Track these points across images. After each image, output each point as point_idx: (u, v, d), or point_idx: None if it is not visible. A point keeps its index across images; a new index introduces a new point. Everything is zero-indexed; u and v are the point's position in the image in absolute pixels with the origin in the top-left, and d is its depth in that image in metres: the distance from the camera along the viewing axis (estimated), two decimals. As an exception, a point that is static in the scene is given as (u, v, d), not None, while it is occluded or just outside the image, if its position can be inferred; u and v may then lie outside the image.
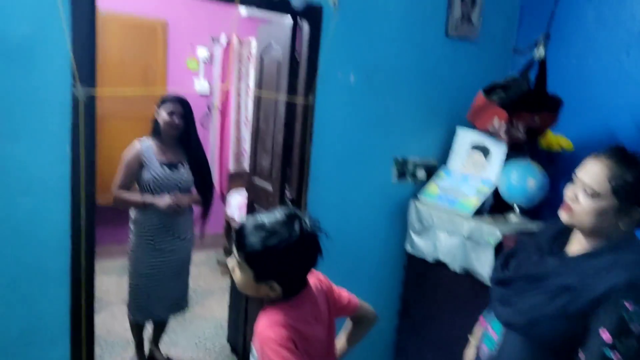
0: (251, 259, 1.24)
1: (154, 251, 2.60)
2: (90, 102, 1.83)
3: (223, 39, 5.19)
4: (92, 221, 1.91)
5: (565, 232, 1.56)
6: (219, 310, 3.92)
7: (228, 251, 4.82)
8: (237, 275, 1.30)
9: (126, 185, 2.53)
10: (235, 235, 1.28)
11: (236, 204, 4.87)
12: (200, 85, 5.25)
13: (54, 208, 1.83)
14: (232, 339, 3.28)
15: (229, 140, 5.37)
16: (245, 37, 5.24)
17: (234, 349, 3.27)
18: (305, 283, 1.33)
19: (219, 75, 5.27)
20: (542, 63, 2.08)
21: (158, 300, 2.68)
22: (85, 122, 1.82)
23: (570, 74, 2.41)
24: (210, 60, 5.25)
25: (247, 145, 5.40)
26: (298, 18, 2.24)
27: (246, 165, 5.32)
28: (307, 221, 1.27)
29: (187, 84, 5.19)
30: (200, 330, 3.59)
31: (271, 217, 1.26)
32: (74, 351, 1.95)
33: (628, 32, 2.25)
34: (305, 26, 2.25)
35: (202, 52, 5.18)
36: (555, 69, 2.23)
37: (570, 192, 1.44)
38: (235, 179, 5.21)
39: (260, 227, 1.24)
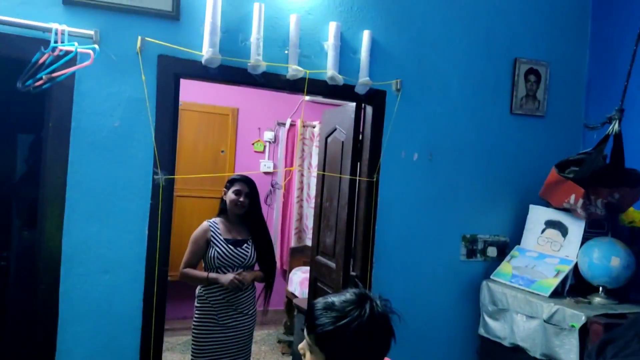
0: (322, 340, 1.21)
1: (217, 326, 2.61)
2: (169, 186, 1.96)
3: (288, 122, 5.47)
4: (164, 299, 1.97)
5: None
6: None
7: (289, 328, 4.73)
8: (308, 359, 1.26)
9: (192, 263, 2.61)
10: (306, 317, 1.26)
11: (298, 280, 4.85)
12: (265, 165, 5.48)
13: (130, 286, 1.91)
14: None
15: (292, 217, 5.47)
16: (308, 120, 5.50)
17: None
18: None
19: (283, 156, 5.50)
20: (618, 137, 2.01)
21: None
22: (162, 205, 1.94)
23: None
24: (275, 142, 5.51)
25: (309, 222, 5.47)
26: (362, 103, 2.33)
27: (308, 241, 5.36)
28: (378, 302, 1.23)
29: (254, 164, 5.44)
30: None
31: (341, 297, 1.23)
32: None
33: None
34: (369, 110, 2.33)
35: (268, 135, 5.46)
36: (630, 142, 2.14)
37: None
38: (297, 255, 5.24)
39: (330, 307, 1.21)
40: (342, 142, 2.51)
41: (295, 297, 4.71)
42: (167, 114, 1.95)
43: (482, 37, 2.51)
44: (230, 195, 2.64)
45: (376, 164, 2.32)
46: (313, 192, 5.55)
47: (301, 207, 5.48)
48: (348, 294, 1.24)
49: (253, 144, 5.42)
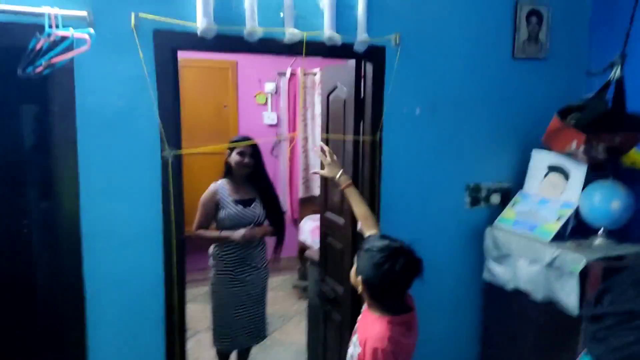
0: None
1: (234, 281, 2.78)
2: (177, 161, 2.00)
3: (288, 72, 5.39)
4: (183, 267, 2.08)
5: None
6: (297, 335, 4.02)
7: (303, 274, 4.94)
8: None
9: (204, 225, 2.73)
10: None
11: (308, 229, 4.99)
12: (269, 117, 5.47)
13: (150, 258, 2.01)
14: (313, 364, 3.37)
15: (298, 168, 5.54)
16: (308, 68, 5.41)
17: (315, 375, 3.35)
18: (405, 302, 1.65)
19: (286, 106, 5.48)
20: (620, 82, 2.00)
21: (242, 329, 2.85)
22: (173, 179, 1.99)
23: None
24: (277, 93, 5.47)
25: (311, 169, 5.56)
26: (362, 60, 2.31)
27: (316, 190, 5.46)
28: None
29: (257, 117, 5.44)
30: (280, 356, 3.71)
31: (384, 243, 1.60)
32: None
33: None
34: (369, 67, 2.31)
35: (269, 86, 5.41)
36: (632, 86, 2.13)
37: None
38: (306, 204, 5.36)
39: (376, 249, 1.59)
40: (344, 100, 2.51)
41: (307, 245, 4.87)
42: (168, 89, 1.96)
43: (482, -20, 2.43)
44: (234, 157, 2.72)
45: (379, 122, 2.34)
46: (318, 141, 5.58)
47: (307, 156, 5.53)
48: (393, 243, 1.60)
49: (255, 96, 5.39)
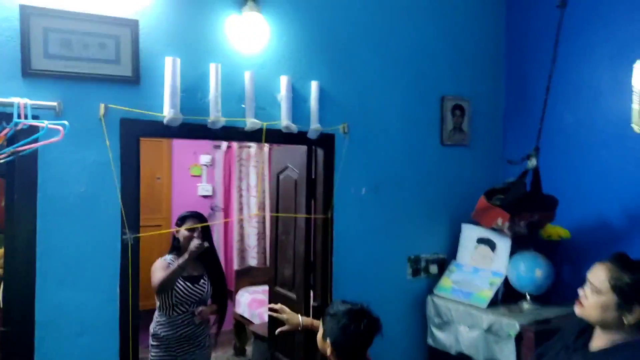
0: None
1: None
2: (136, 244, 2.01)
3: (224, 145, 5.51)
4: (137, 354, 2.03)
5: (588, 329, 1.75)
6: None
7: (238, 350, 4.81)
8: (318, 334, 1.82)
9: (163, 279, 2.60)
10: (324, 311, 1.83)
11: (245, 302, 4.93)
12: (204, 188, 5.49)
13: (106, 345, 1.95)
14: None
15: (233, 239, 5.53)
16: (244, 142, 5.58)
17: None
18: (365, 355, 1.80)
19: (221, 178, 5.54)
20: (536, 170, 2.37)
21: None
22: (132, 262, 1.99)
23: (559, 172, 2.70)
24: (212, 165, 5.54)
25: (250, 242, 5.57)
26: (314, 146, 2.52)
27: (251, 261, 5.46)
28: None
29: (191, 188, 5.43)
30: None
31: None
32: None
33: (603, 131, 2.57)
34: (320, 152, 2.52)
35: (204, 159, 5.47)
36: (546, 168, 2.52)
37: (581, 291, 1.67)
38: (242, 276, 5.30)
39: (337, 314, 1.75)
40: (295, 180, 2.67)
41: (244, 318, 4.79)
42: (131, 175, 2.01)
43: (413, 79, 2.79)
44: (183, 233, 2.70)
45: (330, 201, 2.51)
46: (253, 211, 5.65)
47: (242, 227, 5.56)
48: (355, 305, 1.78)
49: (189, 168, 5.41)
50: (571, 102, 2.74)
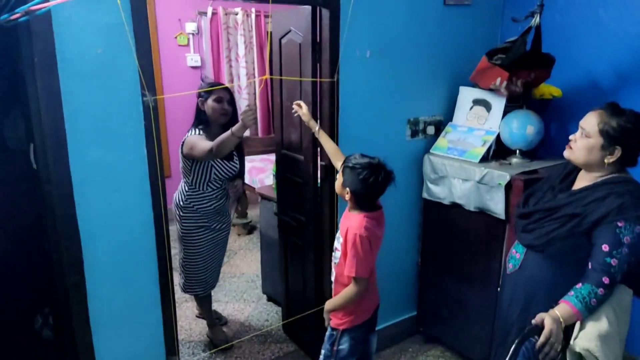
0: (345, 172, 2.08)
1: (210, 231, 2.91)
2: (156, 106, 2.08)
3: (209, 12, 5.28)
4: (166, 206, 2.22)
5: (571, 173, 1.98)
6: (246, 267, 4.34)
7: (241, 213, 5.16)
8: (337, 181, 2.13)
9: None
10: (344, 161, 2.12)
11: (245, 170, 5.15)
12: (192, 59, 5.38)
13: (139, 200, 2.12)
14: (268, 290, 3.72)
15: (227, 110, 5.57)
16: (229, 7, 5.35)
17: (270, 298, 3.73)
18: (377, 202, 2.14)
19: (209, 47, 5.40)
20: (538, 28, 2.41)
21: (215, 272, 3.05)
22: (154, 124, 2.08)
23: (555, 30, 2.75)
24: (198, 33, 5.36)
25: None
26: (318, 6, 2.48)
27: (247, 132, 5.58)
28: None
29: (180, 58, 5.32)
30: (234, 286, 4.03)
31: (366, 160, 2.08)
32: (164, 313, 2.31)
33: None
34: (325, 13, 2.49)
35: (190, 27, 5.27)
36: (545, 26, 2.56)
37: (572, 136, 1.88)
38: (238, 146, 5.47)
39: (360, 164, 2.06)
40: (300, 44, 2.68)
41: (245, 184, 5.06)
42: (144, 37, 2.00)
43: None
44: (211, 104, 2.70)
45: (335, 65, 2.56)
46: (244, 83, 5.63)
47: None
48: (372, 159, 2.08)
49: (176, 37, 5.24)
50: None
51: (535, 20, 2.37)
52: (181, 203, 2.88)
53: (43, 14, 1.74)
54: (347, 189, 2.05)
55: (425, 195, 3.03)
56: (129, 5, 1.93)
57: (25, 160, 2.15)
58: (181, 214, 2.90)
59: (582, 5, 2.69)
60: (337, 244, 2.15)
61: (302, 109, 2.52)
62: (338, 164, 2.31)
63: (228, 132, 2.52)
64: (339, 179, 2.11)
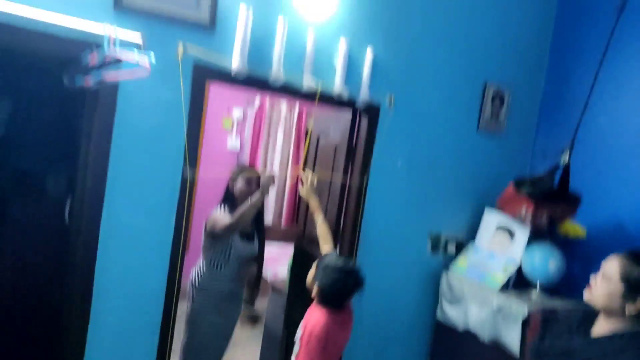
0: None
1: (220, 317, 2.80)
2: (193, 181, 2.19)
3: (256, 102, 5.65)
4: (180, 279, 2.23)
5: (592, 315, 1.92)
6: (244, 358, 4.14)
7: (249, 301, 5.05)
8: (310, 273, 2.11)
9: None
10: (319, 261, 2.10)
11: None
12: (232, 142, 5.66)
13: (156, 268, 2.15)
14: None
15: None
16: (276, 101, 5.71)
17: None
18: (345, 305, 2.08)
19: (250, 135, 5.70)
20: (566, 167, 2.50)
21: (218, 357, 2.92)
22: (188, 197, 2.17)
23: (584, 171, 2.82)
24: (243, 120, 5.69)
25: (267, 202, 5.77)
26: (359, 113, 2.65)
27: (266, 220, 5.67)
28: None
29: (222, 141, 5.61)
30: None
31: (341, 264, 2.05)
32: None
33: (635, 139, 2.68)
34: (364, 119, 2.65)
35: (237, 113, 5.62)
36: (572, 165, 2.64)
37: (593, 277, 1.85)
38: (258, 231, 5.52)
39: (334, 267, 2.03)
40: (336, 145, 2.82)
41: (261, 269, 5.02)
42: (197, 116, 2.17)
43: (460, 62, 2.89)
44: (241, 185, 2.79)
45: (367, 168, 2.66)
46: (276, 171, 5.82)
47: (263, 185, 5.74)
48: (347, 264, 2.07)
49: (222, 120, 5.56)
50: (609, 105, 2.82)
51: (564, 158, 2.46)
52: (197, 284, 2.81)
53: (112, 84, 1.92)
54: (316, 283, 2.04)
55: (439, 316, 2.94)
56: (190, 87, 2.12)
57: (58, 213, 2.25)
58: (195, 293, 2.83)
59: (612, 150, 2.78)
60: (297, 336, 2.09)
61: (307, 181, 2.50)
62: (325, 247, 2.34)
63: (247, 201, 2.53)
64: (312, 272, 2.11)
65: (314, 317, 2.01)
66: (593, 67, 2.42)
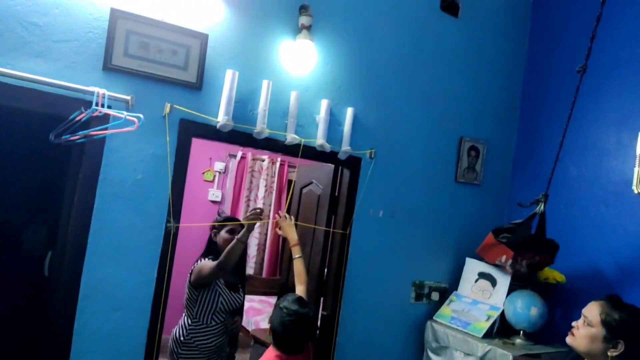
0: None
1: None
2: (176, 233, 2.20)
3: (239, 155, 5.73)
4: (161, 335, 2.19)
5: (575, 360, 1.94)
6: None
7: (229, 356, 4.90)
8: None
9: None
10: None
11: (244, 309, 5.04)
12: (214, 194, 5.67)
13: (137, 323, 2.11)
14: None
15: (236, 246, 5.67)
16: (257, 154, 5.80)
17: None
18: (298, 348, 1.97)
19: (232, 186, 5.73)
20: (542, 215, 2.59)
21: None
22: (171, 249, 2.17)
23: (560, 219, 2.92)
24: (225, 172, 5.74)
25: (250, 251, 5.73)
26: (341, 166, 2.73)
27: (249, 270, 5.60)
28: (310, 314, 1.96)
29: (203, 192, 5.61)
30: None
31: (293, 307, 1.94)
32: None
33: (604, 189, 2.81)
34: (346, 172, 2.73)
35: (218, 165, 5.67)
36: (547, 214, 2.73)
37: (575, 323, 1.89)
38: (240, 284, 5.44)
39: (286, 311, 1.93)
40: (319, 195, 2.87)
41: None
42: (182, 170, 2.21)
43: (437, 118, 3.03)
44: (224, 235, 2.76)
45: (350, 218, 2.71)
46: (258, 223, 5.81)
47: (245, 236, 5.72)
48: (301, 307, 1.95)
49: (203, 173, 5.60)
50: (577, 158, 2.98)
51: (540, 207, 2.55)
52: (181, 338, 2.68)
53: (99, 139, 1.96)
54: (269, 324, 2.00)
55: (424, 364, 2.92)
56: (175, 142, 2.17)
57: (37, 266, 2.21)
58: (179, 351, 2.72)
59: (585, 200, 2.90)
60: None
61: (284, 224, 2.44)
62: (299, 287, 2.31)
63: (234, 240, 2.45)
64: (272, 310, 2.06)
65: (263, 358, 1.95)
66: (562, 123, 2.57)
